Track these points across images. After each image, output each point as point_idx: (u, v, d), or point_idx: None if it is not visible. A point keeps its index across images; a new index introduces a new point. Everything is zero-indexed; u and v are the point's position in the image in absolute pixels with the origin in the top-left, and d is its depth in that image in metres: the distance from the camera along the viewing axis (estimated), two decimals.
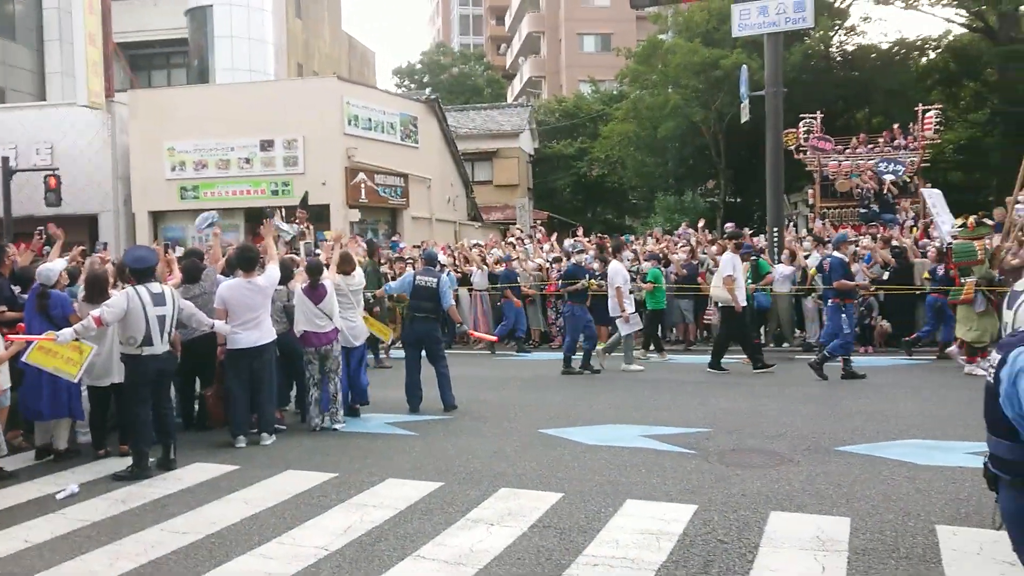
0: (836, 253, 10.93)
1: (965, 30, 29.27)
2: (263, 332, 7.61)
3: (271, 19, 27.13)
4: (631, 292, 11.94)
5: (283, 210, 15.84)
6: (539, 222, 28.47)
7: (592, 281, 11.95)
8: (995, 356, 2.96)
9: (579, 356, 11.53)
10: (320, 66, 31.69)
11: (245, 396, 7.63)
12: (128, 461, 6.73)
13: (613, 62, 39.19)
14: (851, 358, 10.55)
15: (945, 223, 11.97)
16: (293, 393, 8.86)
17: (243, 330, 7.48)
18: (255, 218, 20.06)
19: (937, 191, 12.57)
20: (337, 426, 8.14)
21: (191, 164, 21.26)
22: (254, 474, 6.56)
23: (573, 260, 12.54)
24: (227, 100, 21.52)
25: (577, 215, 35.74)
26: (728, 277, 11.01)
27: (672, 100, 28.08)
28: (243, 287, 7.55)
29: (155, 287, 6.74)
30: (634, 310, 11.67)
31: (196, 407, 8.50)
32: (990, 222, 12.92)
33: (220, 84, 24.17)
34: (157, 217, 21.86)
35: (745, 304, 11.14)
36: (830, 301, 10.71)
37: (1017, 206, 15.65)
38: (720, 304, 11.47)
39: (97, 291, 7.03)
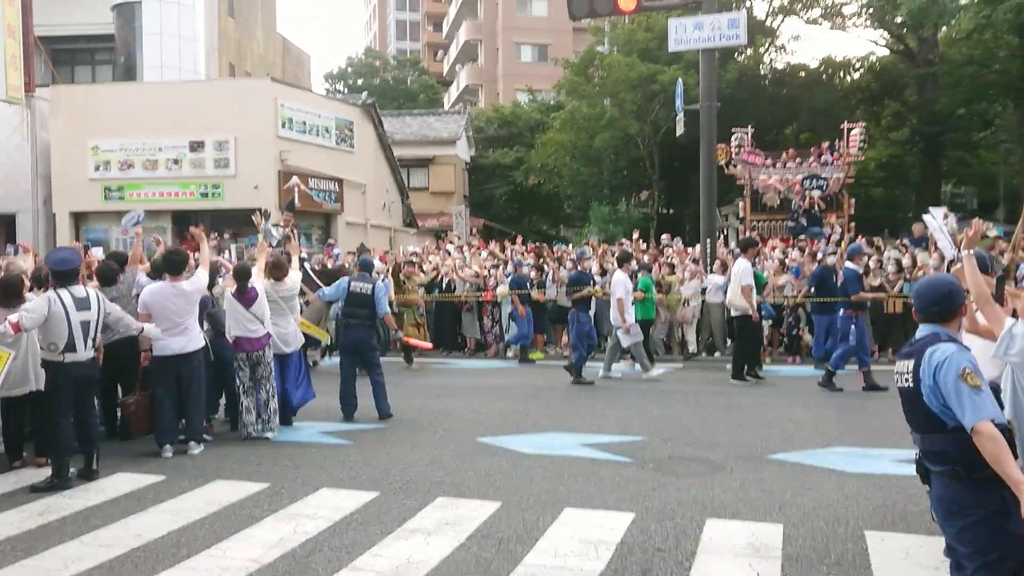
0: (850, 264, 10.70)
1: (887, 51, 30.48)
2: (191, 338, 7.37)
3: (203, 17, 26.43)
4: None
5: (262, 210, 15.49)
6: (475, 230, 28.46)
7: (597, 289, 11.76)
8: (904, 364, 3.35)
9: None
10: (253, 67, 31.06)
11: (172, 404, 7.38)
12: (46, 472, 6.43)
13: (550, 72, 39.48)
14: (870, 368, 10.40)
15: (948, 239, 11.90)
16: (222, 401, 8.63)
17: (169, 336, 7.24)
18: (183, 220, 19.52)
19: (942, 208, 12.54)
20: (269, 435, 7.94)
21: (116, 163, 20.55)
22: (181, 484, 6.34)
23: (579, 267, 12.26)
24: (155, 99, 20.89)
25: (512, 224, 35.85)
26: (746, 286, 10.82)
27: (608, 112, 28.43)
28: (168, 292, 7.31)
29: (79, 291, 6.46)
30: (635, 320, 11.47)
31: (119, 415, 8.18)
32: (992, 233, 13.08)
33: (148, 82, 23.45)
34: (79, 218, 21.06)
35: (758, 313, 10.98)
36: (842, 312, 10.55)
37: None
38: (735, 313, 11.27)
39: (11, 295, 6.70)
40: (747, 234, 18.89)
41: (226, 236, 19.01)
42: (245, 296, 7.86)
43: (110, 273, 7.96)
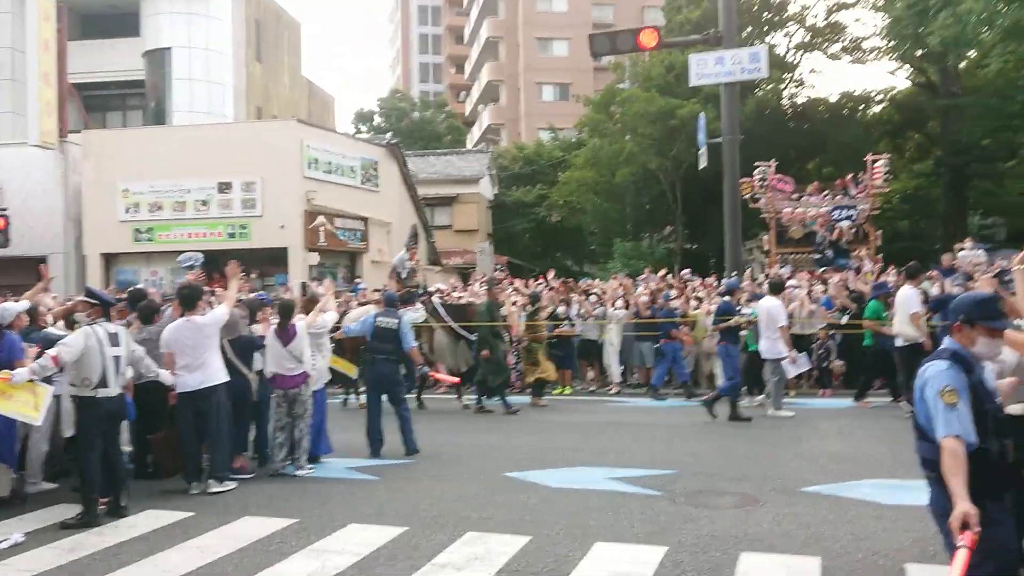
0: None
1: (909, 84, 30.44)
2: (207, 374, 7.31)
3: (230, 62, 27.08)
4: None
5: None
6: (499, 266, 28.52)
7: (743, 319, 11.37)
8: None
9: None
10: (279, 110, 31.64)
11: (195, 441, 7.38)
12: (77, 509, 6.44)
13: (571, 110, 39.86)
14: None
15: None
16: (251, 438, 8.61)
17: (187, 372, 7.26)
18: (211, 261, 19.75)
19: None
20: (300, 472, 7.90)
21: (146, 206, 20.90)
22: (209, 521, 6.32)
23: (725, 298, 11.76)
24: (184, 142, 21.30)
25: (536, 261, 35.90)
26: (915, 314, 10.17)
27: (628, 147, 28.54)
28: (184, 327, 7.35)
29: (111, 327, 6.56)
30: (787, 352, 10.80)
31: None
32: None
33: (177, 125, 23.95)
34: (109, 259, 21.40)
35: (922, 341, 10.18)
36: None
37: (963, 251, 16.21)
38: (901, 343, 10.40)
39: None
40: (776, 267, 18.77)
41: (253, 276, 19.19)
42: (285, 333, 7.90)
43: (150, 312, 8.02)
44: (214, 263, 16.98)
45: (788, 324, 11.27)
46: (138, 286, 11.97)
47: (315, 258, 20.99)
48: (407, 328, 9.22)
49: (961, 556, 3.05)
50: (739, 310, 11.62)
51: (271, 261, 20.73)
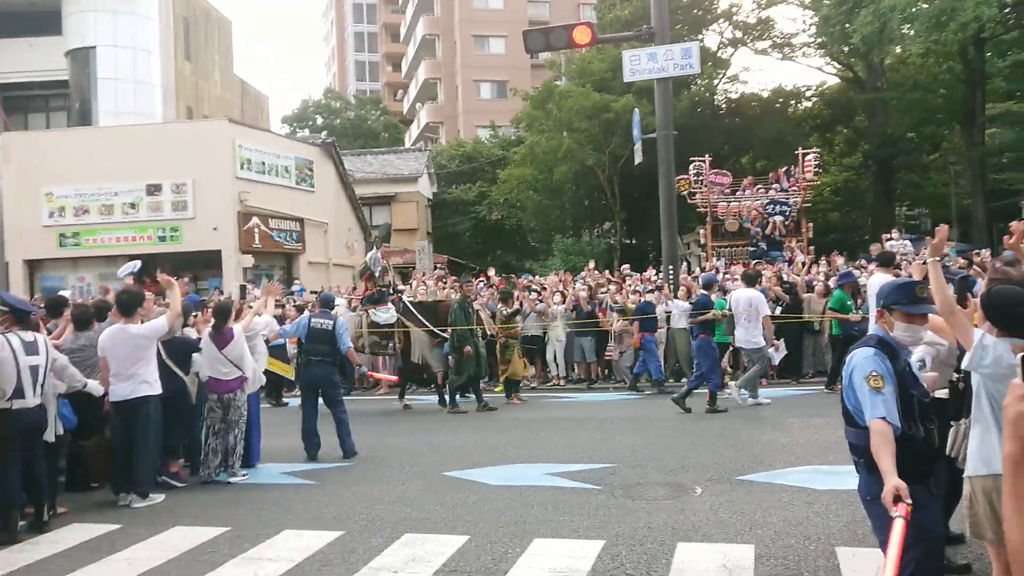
0: None
1: (837, 79, 31.27)
2: (137, 384, 7.05)
3: (158, 61, 26.38)
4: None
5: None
6: (440, 265, 28.36)
7: (721, 313, 11.32)
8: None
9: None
10: (211, 109, 30.93)
11: (124, 450, 7.12)
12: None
13: (509, 107, 39.82)
14: None
15: None
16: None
17: (117, 381, 7.03)
18: (141, 265, 19.20)
19: None
20: (234, 479, 7.71)
21: (71, 210, 20.23)
22: (138, 532, 6.12)
23: (703, 291, 11.68)
24: (111, 143, 20.66)
25: (477, 259, 35.83)
26: None
27: (565, 144, 28.67)
28: (119, 334, 7.11)
29: (28, 335, 6.28)
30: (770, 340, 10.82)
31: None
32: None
33: (103, 126, 23.22)
34: (33, 266, 20.65)
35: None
36: None
37: (890, 241, 16.70)
38: None
39: None
40: (712, 260, 19.06)
41: (186, 280, 18.71)
42: (221, 336, 7.69)
43: (85, 318, 7.72)
44: (145, 267, 16.53)
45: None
46: (62, 292, 11.61)
47: (250, 260, 20.60)
48: (342, 329, 9.10)
49: (898, 527, 3.10)
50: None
51: (204, 264, 20.29)
